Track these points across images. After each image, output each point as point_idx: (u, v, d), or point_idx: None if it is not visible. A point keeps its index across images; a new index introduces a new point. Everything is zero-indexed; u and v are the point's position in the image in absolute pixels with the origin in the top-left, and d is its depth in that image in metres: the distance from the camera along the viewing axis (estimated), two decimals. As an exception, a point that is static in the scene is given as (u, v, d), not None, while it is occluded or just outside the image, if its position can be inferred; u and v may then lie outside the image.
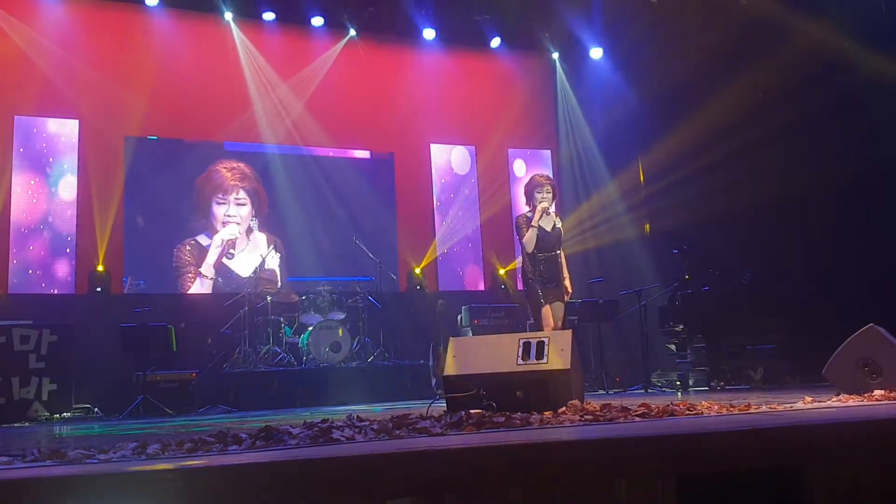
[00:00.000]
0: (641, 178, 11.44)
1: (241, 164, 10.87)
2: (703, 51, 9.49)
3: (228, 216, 10.67)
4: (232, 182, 10.76)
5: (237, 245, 10.64)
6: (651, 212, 11.22)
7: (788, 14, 8.56)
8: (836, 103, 8.38)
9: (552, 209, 6.50)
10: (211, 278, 10.44)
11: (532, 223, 6.35)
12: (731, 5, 9.34)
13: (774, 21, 8.72)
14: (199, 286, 10.39)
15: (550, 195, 6.45)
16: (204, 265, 10.47)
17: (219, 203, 10.67)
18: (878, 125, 8.07)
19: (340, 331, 9.42)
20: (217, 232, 10.59)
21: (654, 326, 9.36)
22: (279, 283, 10.61)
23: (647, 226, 11.35)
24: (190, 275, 10.38)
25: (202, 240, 10.54)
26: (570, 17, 11.54)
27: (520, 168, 12.40)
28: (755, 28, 9.03)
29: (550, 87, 12.83)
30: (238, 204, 10.76)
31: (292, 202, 10.90)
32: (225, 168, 10.77)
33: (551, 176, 7.96)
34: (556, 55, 12.61)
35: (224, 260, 10.51)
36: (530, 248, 6.34)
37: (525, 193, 6.62)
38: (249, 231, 10.77)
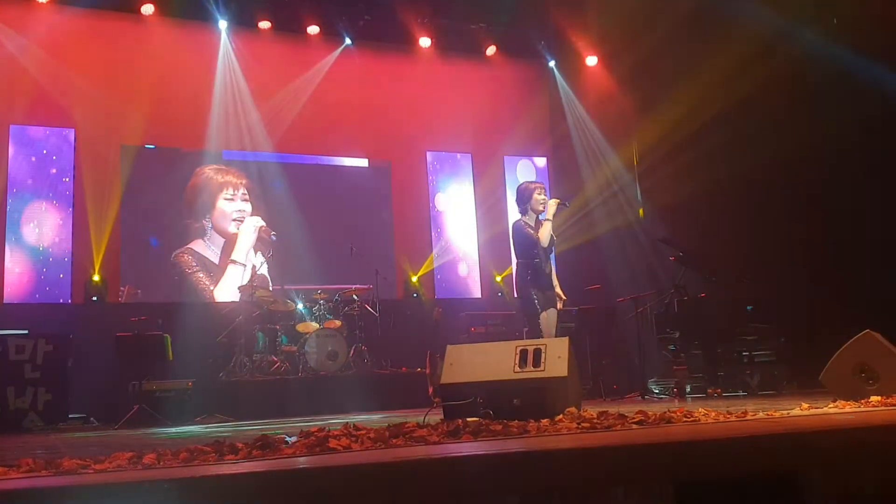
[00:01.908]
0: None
1: (232, 168, 10.93)
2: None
3: (240, 212, 10.75)
4: (236, 180, 10.84)
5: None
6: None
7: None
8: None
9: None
10: (243, 264, 10.48)
11: (547, 216, 6.42)
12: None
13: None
14: (232, 275, 10.41)
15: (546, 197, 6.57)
16: (236, 251, 10.54)
17: (228, 199, 10.74)
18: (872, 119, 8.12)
19: (337, 339, 9.40)
20: (224, 229, 10.63)
21: (651, 333, 9.36)
22: (270, 288, 10.62)
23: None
24: (202, 274, 10.42)
25: (196, 246, 10.54)
26: (565, 25, 11.59)
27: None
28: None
29: (546, 94, 12.86)
30: (244, 200, 10.86)
31: (289, 210, 10.89)
32: (215, 171, 10.81)
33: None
34: (552, 63, 12.63)
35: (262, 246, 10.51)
36: (546, 241, 6.39)
37: (521, 200, 6.65)
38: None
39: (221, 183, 10.74)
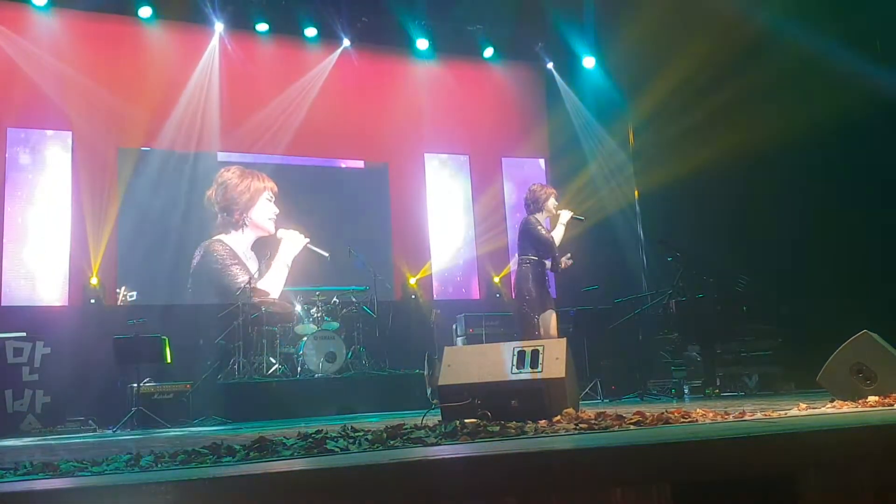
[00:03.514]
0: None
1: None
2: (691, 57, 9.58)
3: (276, 213, 10.90)
4: (271, 183, 10.97)
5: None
6: (642, 191, 11.32)
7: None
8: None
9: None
10: (289, 266, 10.66)
11: (561, 221, 6.49)
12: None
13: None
14: (277, 273, 10.51)
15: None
16: (282, 254, 10.70)
17: (269, 200, 10.93)
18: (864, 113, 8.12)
19: (335, 341, 9.40)
20: (260, 226, 10.82)
21: (649, 334, 9.37)
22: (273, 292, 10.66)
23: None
24: (236, 267, 10.53)
25: (228, 239, 10.70)
26: (562, 26, 11.60)
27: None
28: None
29: (543, 96, 12.86)
30: (276, 204, 10.96)
31: (286, 211, 10.90)
32: (246, 172, 10.94)
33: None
34: (551, 64, 12.63)
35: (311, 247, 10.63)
36: (559, 240, 6.45)
37: (533, 202, 6.66)
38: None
39: (263, 185, 10.92)
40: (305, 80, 11.40)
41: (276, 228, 10.82)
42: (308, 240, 10.65)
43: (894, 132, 7.98)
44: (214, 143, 10.83)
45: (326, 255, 10.43)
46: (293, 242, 10.76)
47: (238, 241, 10.79)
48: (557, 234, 6.50)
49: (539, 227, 6.48)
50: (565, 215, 6.53)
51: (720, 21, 9.14)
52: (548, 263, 6.55)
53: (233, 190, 10.79)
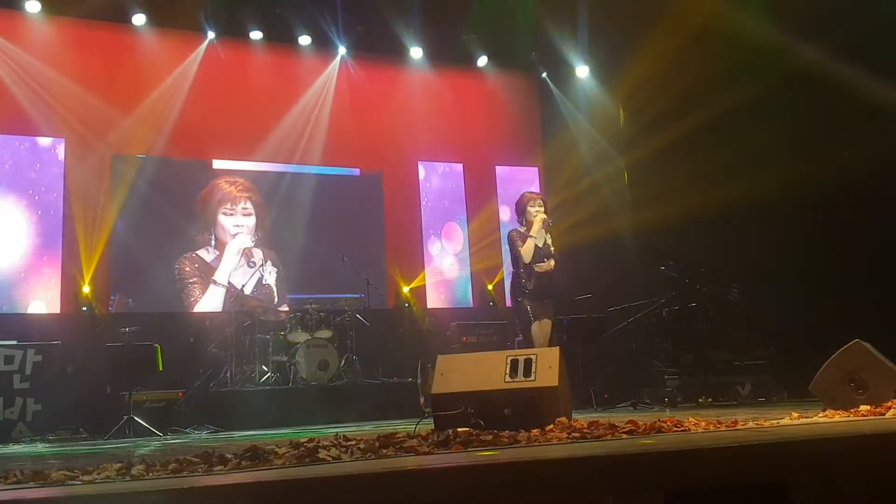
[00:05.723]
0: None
1: (242, 179, 10.96)
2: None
3: (238, 227, 10.75)
4: (238, 193, 10.84)
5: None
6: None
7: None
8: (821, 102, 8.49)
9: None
10: (224, 286, 10.43)
11: (531, 233, 6.37)
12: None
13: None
14: (212, 294, 10.36)
15: (543, 209, 6.51)
16: (218, 273, 10.50)
17: (226, 214, 10.76)
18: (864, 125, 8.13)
19: (328, 349, 9.37)
20: (224, 243, 10.64)
21: (643, 343, 9.36)
22: (276, 299, 10.61)
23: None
24: (197, 286, 10.40)
25: (203, 254, 10.56)
26: (555, 36, 11.62)
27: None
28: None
29: (538, 104, 12.89)
30: (245, 214, 10.85)
31: (280, 219, 10.88)
32: (227, 182, 10.86)
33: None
34: (545, 74, 12.65)
35: (245, 269, 10.52)
36: (528, 258, 6.34)
37: (517, 210, 6.64)
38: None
39: (224, 195, 10.77)
40: (300, 89, 11.40)
41: (245, 242, 10.71)
42: (246, 246, 10.60)
43: (892, 132, 7.99)
44: (209, 151, 10.81)
45: (257, 266, 10.43)
46: (230, 254, 10.63)
47: (212, 258, 10.64)
48: (527, 248, 6.38)
49: (516, 242, 6.45)
50: (535, 225, 6.45)
51: (715, 31, 9.18)
52: (540, 267, 6.46)
53: (199, 205, 10.66)
